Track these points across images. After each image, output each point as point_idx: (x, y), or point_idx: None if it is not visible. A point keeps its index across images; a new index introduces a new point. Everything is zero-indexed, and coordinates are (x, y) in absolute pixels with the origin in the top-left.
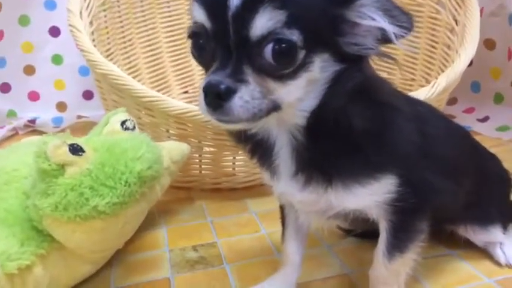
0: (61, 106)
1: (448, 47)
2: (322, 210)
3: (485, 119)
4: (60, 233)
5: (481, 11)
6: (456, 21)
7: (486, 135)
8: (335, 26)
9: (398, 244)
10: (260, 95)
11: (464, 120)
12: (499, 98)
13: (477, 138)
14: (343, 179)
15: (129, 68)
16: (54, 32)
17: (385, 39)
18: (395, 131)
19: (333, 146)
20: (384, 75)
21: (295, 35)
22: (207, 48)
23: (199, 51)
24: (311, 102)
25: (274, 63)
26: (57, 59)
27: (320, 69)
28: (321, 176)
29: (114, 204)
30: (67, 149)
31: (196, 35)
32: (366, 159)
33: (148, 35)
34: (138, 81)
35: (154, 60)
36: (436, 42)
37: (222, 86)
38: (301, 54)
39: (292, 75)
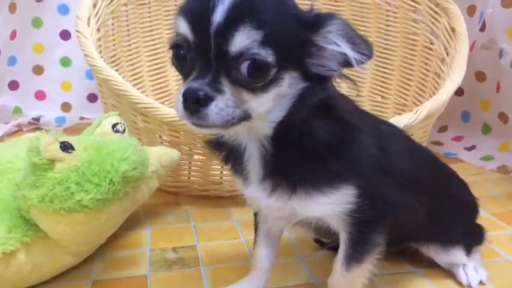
0: (66, 106)
1: (439, 76)
2: (287, 216)
3: (471, 148)
4: (45, 224)
5: (473, 44)
6: (447, 52)
7: (470, 163)
8: (304, 48)
9: (355, 255)
10: (234, 104)
11: (452, 147)
12: (486, 129)
13: (461, 165)
14: (306, 187)
15: (133, 75)
16: (65, 35)
17: (347, 63)
18: (354, 144)
19: (297, 155)
20: (378, 98)
21: (269, 54)
22: (187, 59)
23: (179, 60)
24: (278, 114)
25: (249, 77)
26: (65, 62)
27: (288, 85)
28: (286, 183)
29: (98, 200)
30: (58, 145)
31: (177, 46)
32: (327, 169)
33: (153, 45)
34: (141, 88)
35: (158, 69)
36: (428, 71)
37: (201, 93)
38: (273, 71)
39: (264, 88)
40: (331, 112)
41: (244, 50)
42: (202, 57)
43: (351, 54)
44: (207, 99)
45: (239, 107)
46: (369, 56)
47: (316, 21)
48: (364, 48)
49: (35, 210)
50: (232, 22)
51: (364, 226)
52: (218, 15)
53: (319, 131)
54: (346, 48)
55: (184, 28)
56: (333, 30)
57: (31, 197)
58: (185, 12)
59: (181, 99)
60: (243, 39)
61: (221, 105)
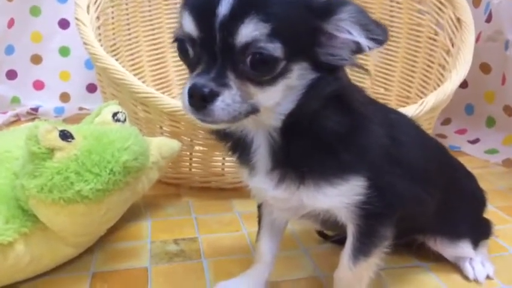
0: (64, 97)
1: (443, 67)
2: (294, 208)
3: (475, 141)
4: (44, 214)
5: (479, 35)
6: (452, 43)
7: (474, 156)
8: (314, 37)
9: (363, 248)
10: (241, 99)
11: (455, 140)
12: (491, 122)
13: (465, 158)
14: (315, 178)
15: (133, 65)
16: (64, 24)
17: (359, 50)
18: (365, 134)
19: (306, 146)
20: (380, 90)
21: (277, 48)
22: (192, 53)
23: (184, 54)
24: (287, 106)
25: (255, 71)
26: (64, 51)
27: (298, 77)
28: (294, 174)
29: (98, 191)
30: (57, 134)
31: (182, 40)
32: (336, 160)
33: (153, 34)
34: (141, 77)
35: (158, 58)
36: (433, 62)
37: (206, 89)
38: (282, 64)
39: (272, 81)
40: (343, 103)
41: (251, 42)
42: (207, 51)
43: (365, 42)
44: (213, 95)
45: (246, 102)
46: (384, 40)
47: (327, 8)
48: (379, 33)
49: (33, 200)
50: (238, 14)
51: (372, 218)
52: (223, 8)
53: (329, 122)
54: (359, 37)
55: (189, 24)
56: (345, 18)
57: (29, 187)
58: (190, 6)
59: (187, 95)
60: (249, 31)
61: (228, 101)
